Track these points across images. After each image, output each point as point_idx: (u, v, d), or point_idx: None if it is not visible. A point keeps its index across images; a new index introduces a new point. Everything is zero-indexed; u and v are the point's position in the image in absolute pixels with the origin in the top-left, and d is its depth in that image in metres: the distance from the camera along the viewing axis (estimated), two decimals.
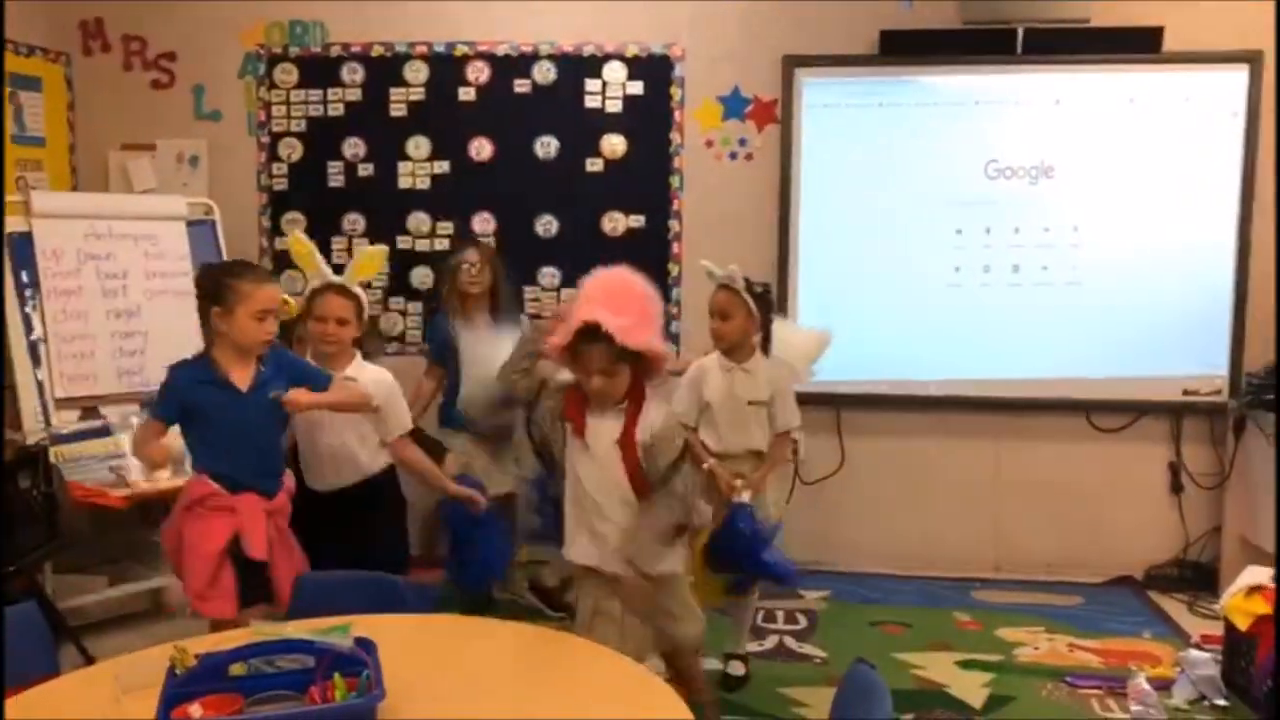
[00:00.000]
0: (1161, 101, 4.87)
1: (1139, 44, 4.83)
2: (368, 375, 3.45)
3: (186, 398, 2.99)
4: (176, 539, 3.02)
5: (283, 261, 5.34)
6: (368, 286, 3.58)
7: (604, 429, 2.78)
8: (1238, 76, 4.82)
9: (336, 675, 1.88)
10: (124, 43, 5.30)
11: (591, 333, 2.68)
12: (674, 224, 5.19)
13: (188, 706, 1.83)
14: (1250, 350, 4.88)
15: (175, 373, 3.04)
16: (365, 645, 1.94)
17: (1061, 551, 5.10)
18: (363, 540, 3.33)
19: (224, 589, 2.95)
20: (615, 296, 2.73)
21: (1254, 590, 3.66)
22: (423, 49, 5.23)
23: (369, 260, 3.69)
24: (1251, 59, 4.79)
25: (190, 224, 4.86)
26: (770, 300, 3.82)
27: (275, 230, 5.36)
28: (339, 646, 1.91)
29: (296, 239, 3.68)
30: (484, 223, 5.26)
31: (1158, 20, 4.81)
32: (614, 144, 5.19)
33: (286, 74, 5.30)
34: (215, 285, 2.98)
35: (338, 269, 3.64)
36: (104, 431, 4.31)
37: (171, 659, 1.89)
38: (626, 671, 2.18)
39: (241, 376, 3.00)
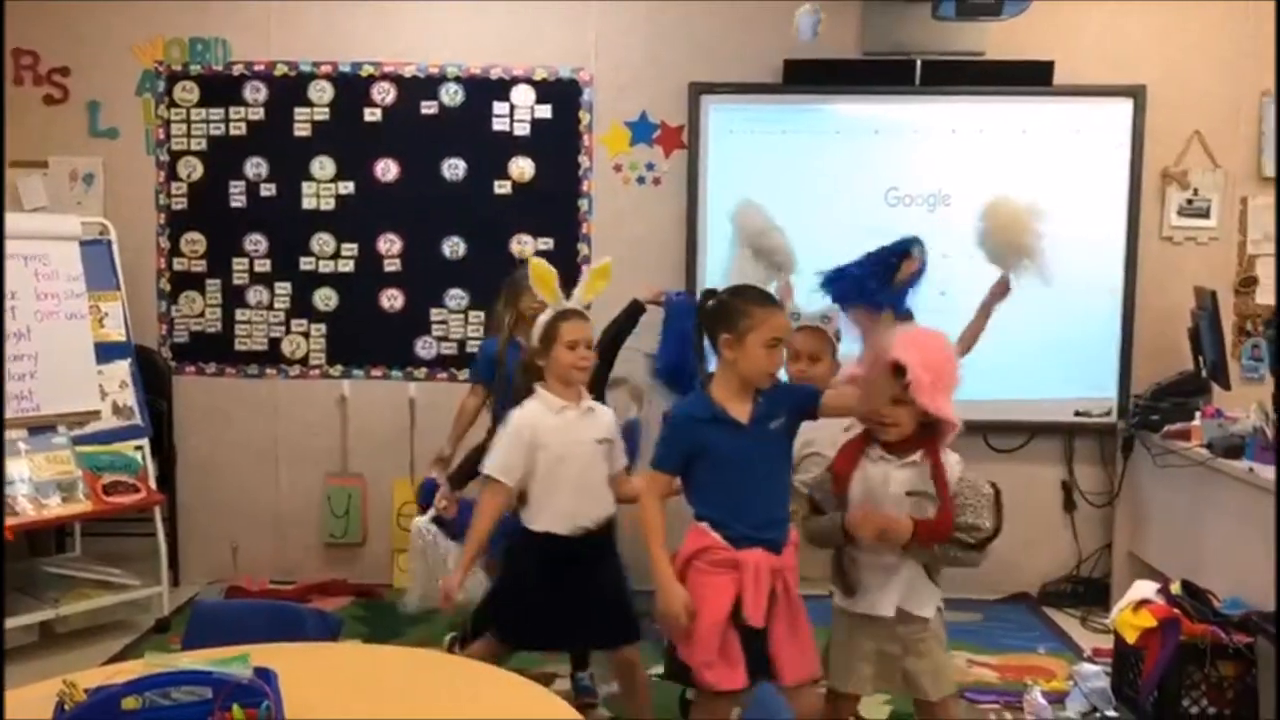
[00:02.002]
0: (1052, 132, 5.05)
1: (1031, 77, 5.00)
2: (600, 407, 3.28)
3: (688, 441, 2.80)
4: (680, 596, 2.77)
5: (179, 282, 5.24)
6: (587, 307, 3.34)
7: (895, 479, 2.80)
8: (1123, 109, 5.02)
9: (235, 706, 1.84)
10: (14, 56, 5.14)
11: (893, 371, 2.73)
12: (583, 247, 5.21)
13: None
14: (1137, 373, 5.07)
15: (674, 416, 2.90)
16: (265, 675, 1.90)
17: (959, 569, 5.20)
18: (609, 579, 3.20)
19: (732, 657, 2.72)
20: (925, 352, 2.76)
21: (1141, 604, 3.79)
22: (327, 69, 5.18)
23: (599, 276, 3.35)
24: (1135, 93, 5.00)
25: (84, 244, 4.73)
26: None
27: (174, 251, 5.24)
28: (237, 676, 1.86)
29: (537, 263, 3.28)
30: (389, 244, 5.22)
31: (1049, 55, 5.00)
32: (522, 167, 5.19)
33: (187, 92, 5.20)
34: (724, 309, 2.81)
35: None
36: None
37: (60, 694, 1.83)
38: (529, 694, 2.17)
39: (741, 410, 2.79)
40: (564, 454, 3.09)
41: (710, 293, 3.00)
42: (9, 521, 3.95)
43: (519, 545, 3.20)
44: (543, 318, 3.20)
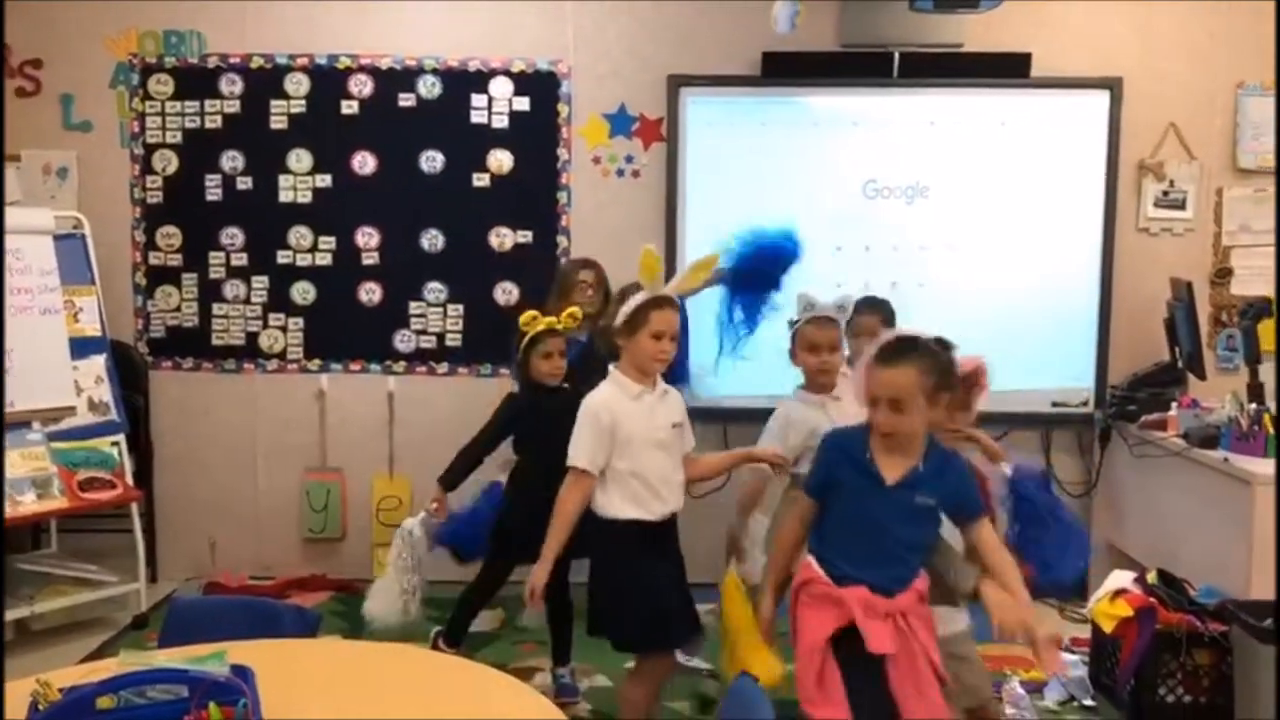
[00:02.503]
0: (1030, 124, 5.07)
1: (1009, 69, 5.01)
2: (672, 389, 3.22)
3: (833, 472, 2.68)
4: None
5: (155, 277, 5.20)
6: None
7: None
8: (1100, 101, 5.04)
9: (212, 705, 1.83)
10: None
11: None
12: (562, 239, 5.20)
13: None
14: (1114, 363, 5.10)
15: (829, 440, 2.76)
16: (242, 673, 1.88)
17: None
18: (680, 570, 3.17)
19: (830, 690, 2.54)
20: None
21: (1118, 594, 3.82)
22: (304, 61, 5.14)
23: (701, 268, 3.24)
24: (1112, 85, 5.02)
25: (58, 238, 4.69)
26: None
27: (150, 245, 5.20)
28: (214, 674, 1.85)
29: (648, 251, 3.10)
30: (367, 237, 5.20)
31: (1026, 47, 5.01)
32: (500, 159, 5.17)
33: (162, 85, 5.15)
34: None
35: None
36: None
37: (34, 693, 1.81)
38: (509, 690, 2.17)
39: (893, 466, 2.61)
40: (646, 439, 3.04)
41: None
42: None
43: (601, 543, 3.11)
44: (636, 298, 3.08)
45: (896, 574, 2.59)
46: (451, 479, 3.91)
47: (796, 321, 3.46)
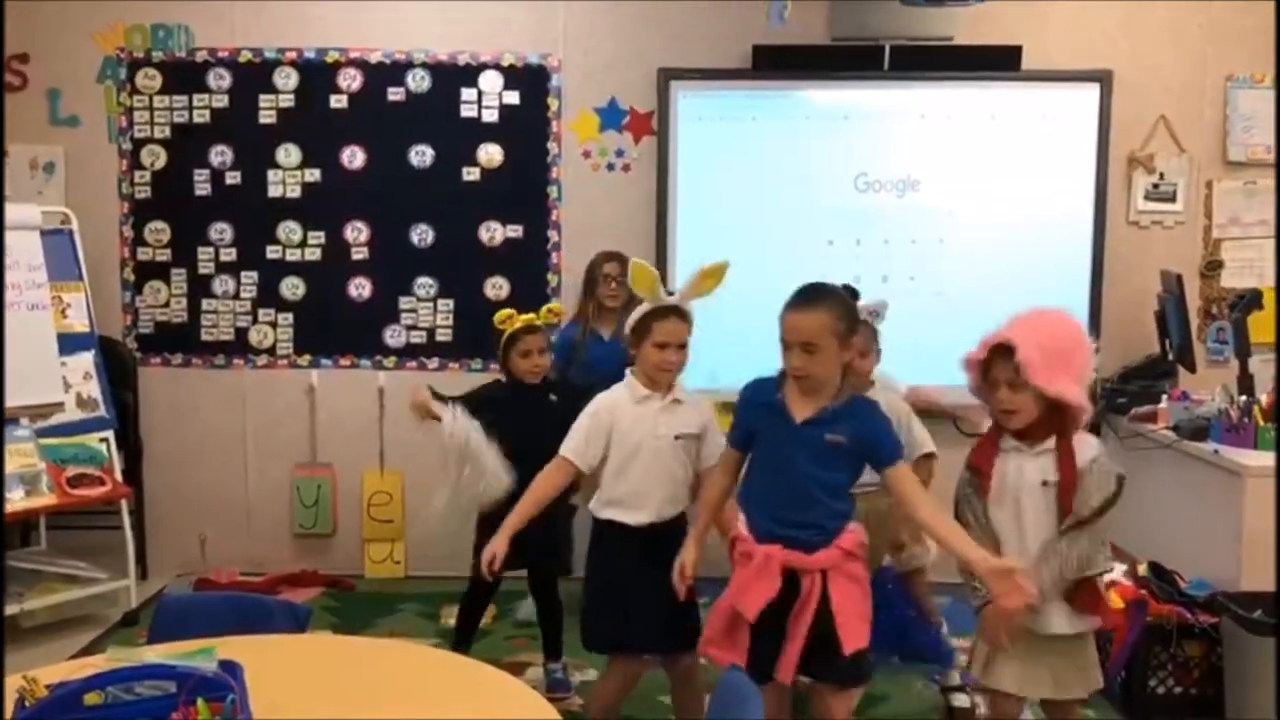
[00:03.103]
0: (1021, 117, 5.07)
1: (999, 62, 5.01)
2: (692, 400, 3.16)
3: (748, 420, 2.77)
4: None
5: (144, 272, 5.18)
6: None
7: (1028, 470, 2.73)
8: (1090, 94, 5.04)
9: (200, 700, 1.82)
10: None
11: (1004, 352, 2.68)
12: (552, 234, 5.19)
13: None
14: (1105, 356, 5.07)
15: (744, 391, 2.82)
16: (230, 668, 1.88)
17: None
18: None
19: (737, 640, 2.71)
20: (1038, 333, 2.69)
21: (1109, 586, 3.81)
22: (292, 55, 5.12)
23: (709, 275, 3.11)
24: (1102, 78, 5.02)
25: (45, 233, 4.66)
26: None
27: (138, 240, 5.18)
28: (202, 670, 1.85)
29: (637, 265, 3.11)
30: (357, 232, 5.18)
31: (1017, 39, 5.01)
32: (491, 154, 5.16)
33: (149, 79, 5.13)
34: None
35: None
36: None
37: (20, 690, 1.80)
38: (501, 685, 2.16)
39: (804, 407, 2.68)
40: (639, 443, 3.04)
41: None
42: None
43: (591, 540, 3.19)
44: (639, 310, 3.10)
45: (816, 524, 2.66)
46: (466, 402, 3.74)
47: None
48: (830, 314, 2.64)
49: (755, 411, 2.76)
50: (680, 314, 3.08)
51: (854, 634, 2.64)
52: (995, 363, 2.72)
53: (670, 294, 3.12)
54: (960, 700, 3.79)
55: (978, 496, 2.80)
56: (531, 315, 3.77)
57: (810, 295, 2.69)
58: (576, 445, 3.06)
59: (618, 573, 3.09)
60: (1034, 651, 2.74)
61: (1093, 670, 2.81)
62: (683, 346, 3.06)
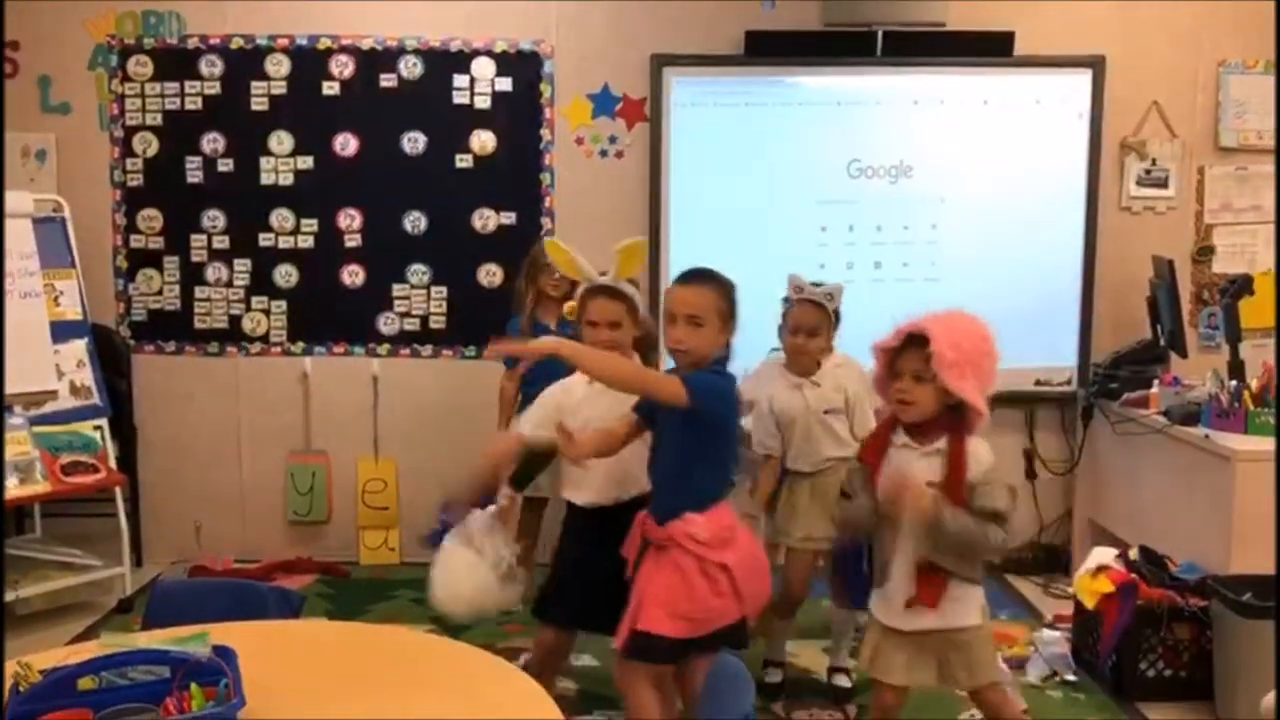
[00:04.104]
0: (1013, 103, 5.07)
1: (992, 48, 5.00)
2: None
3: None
4: None
5: (136, 260, 5.17)
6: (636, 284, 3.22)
7: (916, 469, 2.70)
8: (1082, 80, 5.04)
9: (194, 685, 1.83)
10: None
11: (916, 344, 2.68)
12: (546, 221, 5.19)
13: None
14: (1097, 342, 5.12)
15: None
16: (224, 653, 1.89)
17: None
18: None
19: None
20: (955, 332, 2.69)
21: (1100, 570, 3.84)
22: (284, 42, 5.11)
23: (631, 253, 3.14)
24: (1095, 63, 5.02)
25: (37, 221, 4.66)
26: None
27: (131, 227, 5.17)
28: (196, 655, 1.86)
29: (551, 244, 3.22)
30: (350, 219, 5.17)
31: (1009, 25, 5.00)
32: (483, 140, 5.15)
33: (141, 66, 5.11)
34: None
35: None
36: None
37: (14, 675, 1.81)
38: (493, 671, 2.17)
39: None
40: (584, 424, 2.99)
41: None
42: None
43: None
44: (579, 293, 3.15)
45: (673, 497, 2.71)
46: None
47: (788, 301, 3.49)
48: (717, 293, 2.71)
49: None
50: (609, 293, 3.08)
51: (648, 616, 2.67)
52: (905, 353, 2.72)
53: (604, 274, 3.13)
54: (842, 680, 3.84)
55: (865, 489, 2.81)
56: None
57: (700, 274, 2.77)
58: (528, 419, 3.16)
59: (564, 548, 3.19)
60: (923, 645, 2.77)
61: (985, 667, 2.82)
62: (615, 325, 3.05)
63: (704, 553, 2.66)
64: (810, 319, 3.49)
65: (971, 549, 2.68)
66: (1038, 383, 5.17)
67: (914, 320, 2.72)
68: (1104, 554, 3.94)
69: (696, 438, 2.67)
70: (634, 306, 3.12)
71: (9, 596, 4.30)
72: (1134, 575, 3.77)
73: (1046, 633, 4.15)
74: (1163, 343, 4.83)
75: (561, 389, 3.13)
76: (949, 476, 2.66)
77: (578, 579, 3.10)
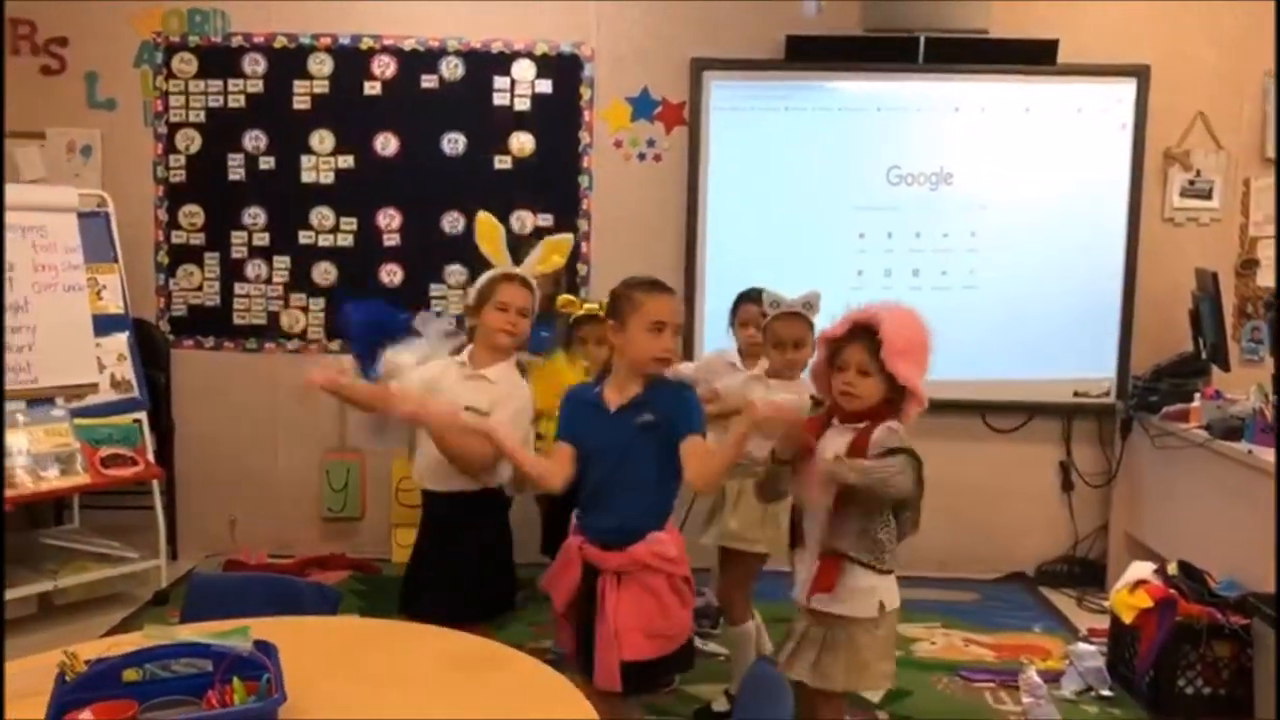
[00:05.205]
0: (1055, 112, 5.03)
1: (1035, 56, 4.97)
2: (513, 381, 3.10)
3: (572, 422, 2.77)
4: None
5: (177, 255, 5.22)
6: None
7: (830, 445, 2.67)
8: (1126, 89, 4.99)
9: (235, 679, 1.84)
10: (11, 26, 5.10)
11: (862, 335, 2.67)
12: (583, 223, 5.19)
13: (78, 714, 1.76)
14: (1136, 354, 5.06)
15: (568, 394, 2.86)
16: (265, 648, 1.89)
17: (956, 548, 5.20)
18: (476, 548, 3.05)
19: (567, 631, 2.80)
20: (901, 321, 2.69)
21: (1138, 585, 3.80)
22: (327, 41, 5.15)
23: (554, 250, 3.21)
24: (1139, 73, 4.97)
25: (82, 216, 4.71)
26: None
27: (173, 223, 5.22)
28: (238, 649, 1.86)
29: (483, 218, 3.24)
30: (389, 218, 5.20)
31: (1053, 33, 4.97)
32: (522, 142, 5.17)
33: (185, 64, 5.16)
34: (613, 298, 2.75)
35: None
36: None
37: (60, 665, 1.83)
38: (533, 673, 2.17)
39: (615, 398, 2.71)
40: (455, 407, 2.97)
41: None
42: (8, 493, 3.94)
43: None
44: (483, 277, 3.14)
45: (617, 523, 2.65)
46: None
47: (766, 317, 3.47)
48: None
49: (579, 409, 2.77)
50: (525, 283, 3.10)
51: (631, 645, 2.61)
52: (850, 345, 2.69)
53: (517, 264, 3.16)
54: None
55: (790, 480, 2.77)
56: (593, 306, 3.76)
57: (663, 283, 2.76)
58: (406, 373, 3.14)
59: (419, 536, 3.20)
60: (808, 632, 2.73)
61: (866, 671, 2.69)
62: (524, 314, 3.07)
63: (673, 569, 2.65)
64: (795, 331, 3.41)
65: (883, 483, 2.56)
66: (1076, 394, 5.12)
67: (863, 309, 2.71)
68: (1142, 568, 3.90)
69: (670, 458, 2.65)
70: (535, 301, 3.16)
71: (47, 586, 4.35)
72: (1173, 590, 3.73)
73: (1081, 646, 4.10)
74: (1204, 355, 4.77)
75: (440, 368, 3.10)
76: (853, 443, 2.64)
77: (428, 570, 3.10)
